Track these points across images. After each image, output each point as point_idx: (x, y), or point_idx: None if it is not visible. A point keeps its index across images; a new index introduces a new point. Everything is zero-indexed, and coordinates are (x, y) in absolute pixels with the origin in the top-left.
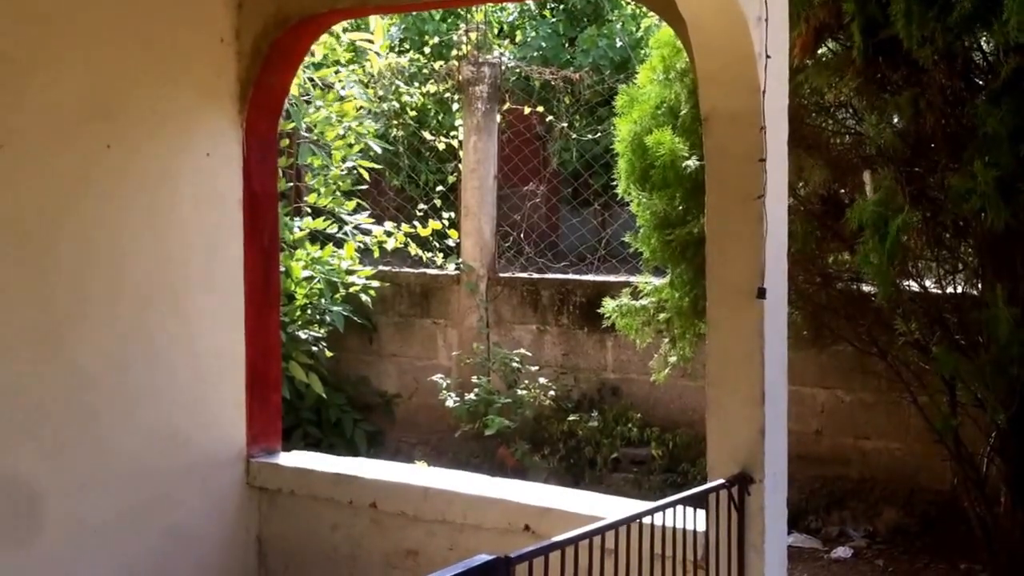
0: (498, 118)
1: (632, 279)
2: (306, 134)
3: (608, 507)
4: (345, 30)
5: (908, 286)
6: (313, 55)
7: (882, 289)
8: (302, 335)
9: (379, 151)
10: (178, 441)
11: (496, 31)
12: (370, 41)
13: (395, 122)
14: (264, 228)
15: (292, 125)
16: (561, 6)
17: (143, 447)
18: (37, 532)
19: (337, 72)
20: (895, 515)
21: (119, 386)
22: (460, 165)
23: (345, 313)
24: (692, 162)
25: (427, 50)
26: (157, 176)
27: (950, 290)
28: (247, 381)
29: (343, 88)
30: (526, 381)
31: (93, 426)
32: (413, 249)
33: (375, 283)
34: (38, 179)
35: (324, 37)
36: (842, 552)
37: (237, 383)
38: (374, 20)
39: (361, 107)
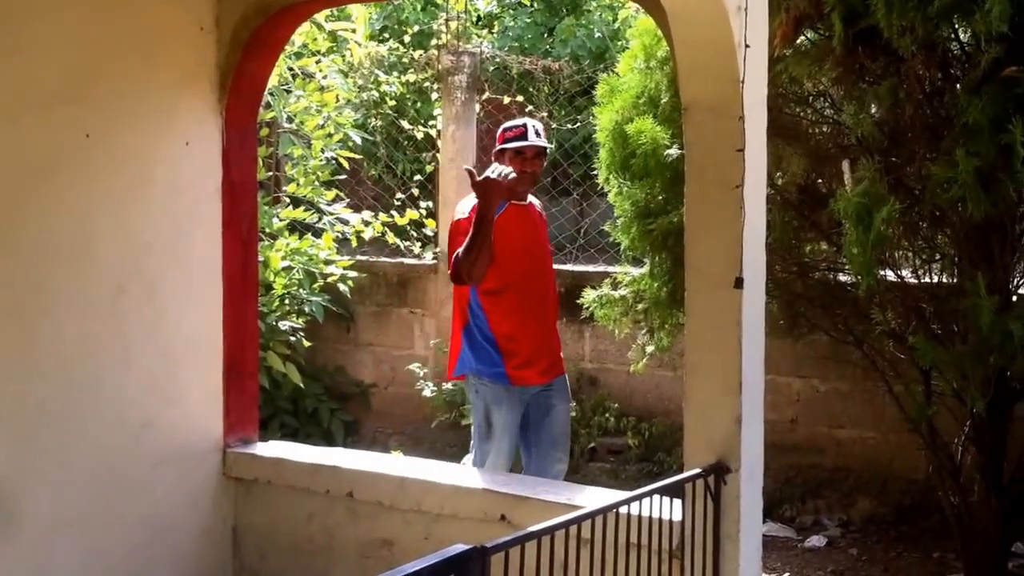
0: (477, 107)
1: (610, 269)
2: (286, 124)
3: (584, 497)
4: (327, 19)
5: (884, 275)
6: (293, 44)
7: (864, 281)
8: (281, 325)
9: (359, 141)
10: (154, 431)
11: (475, 20)
12: (352, 31)
13: (374, 112)
14: (242, 217)
15: (272, 114)
16: None
17: (117, 437)
18: (7, 524)
19: (318, 62)
20: (869, 504)
21: (91, 375)
22: (438, 155)
23: (324, 303)
24: (673, 151)
25: (406, 39)
26: (134, 164)
27: (926, 279)
28: (224, 371)
29: (324, 78)
30: None
31: (64, 416)
32: (391, 238)
33: (353, 273)
34: (6, 162)
35: (304, 26)
36: (816, 541)
37: (214, 372)
38: (355, 9)
39: (339, 97)
